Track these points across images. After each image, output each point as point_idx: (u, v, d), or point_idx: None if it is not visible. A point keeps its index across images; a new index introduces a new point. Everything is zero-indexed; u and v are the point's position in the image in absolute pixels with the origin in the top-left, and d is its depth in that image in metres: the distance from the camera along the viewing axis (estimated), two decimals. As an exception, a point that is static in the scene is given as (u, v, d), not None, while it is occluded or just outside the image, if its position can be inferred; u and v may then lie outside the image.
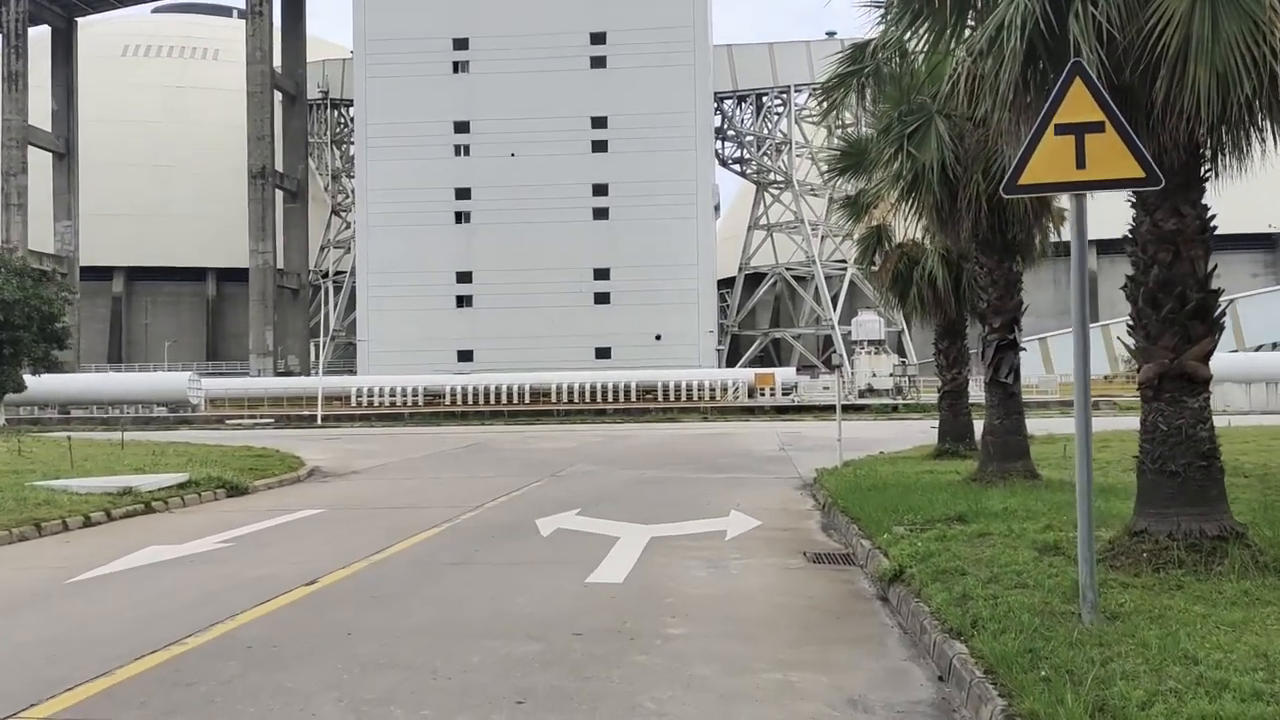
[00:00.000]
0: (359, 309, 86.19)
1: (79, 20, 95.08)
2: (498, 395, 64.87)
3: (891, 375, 64.64)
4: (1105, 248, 61.31)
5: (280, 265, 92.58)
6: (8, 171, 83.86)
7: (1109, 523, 10.18)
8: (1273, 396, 52.94)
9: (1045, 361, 77.22)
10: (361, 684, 6.83)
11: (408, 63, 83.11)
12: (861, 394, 62.44)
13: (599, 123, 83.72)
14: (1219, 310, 9.41)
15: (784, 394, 63.47)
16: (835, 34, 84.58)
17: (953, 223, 15.91)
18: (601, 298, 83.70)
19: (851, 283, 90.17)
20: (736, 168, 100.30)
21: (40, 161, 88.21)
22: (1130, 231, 9.68)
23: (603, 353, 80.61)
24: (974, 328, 20.82)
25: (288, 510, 16.58)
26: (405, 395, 65.94)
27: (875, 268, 24.02)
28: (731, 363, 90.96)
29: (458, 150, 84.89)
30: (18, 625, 8.84)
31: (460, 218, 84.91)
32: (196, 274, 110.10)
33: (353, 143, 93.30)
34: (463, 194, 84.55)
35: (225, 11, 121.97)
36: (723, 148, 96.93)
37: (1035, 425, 19.74)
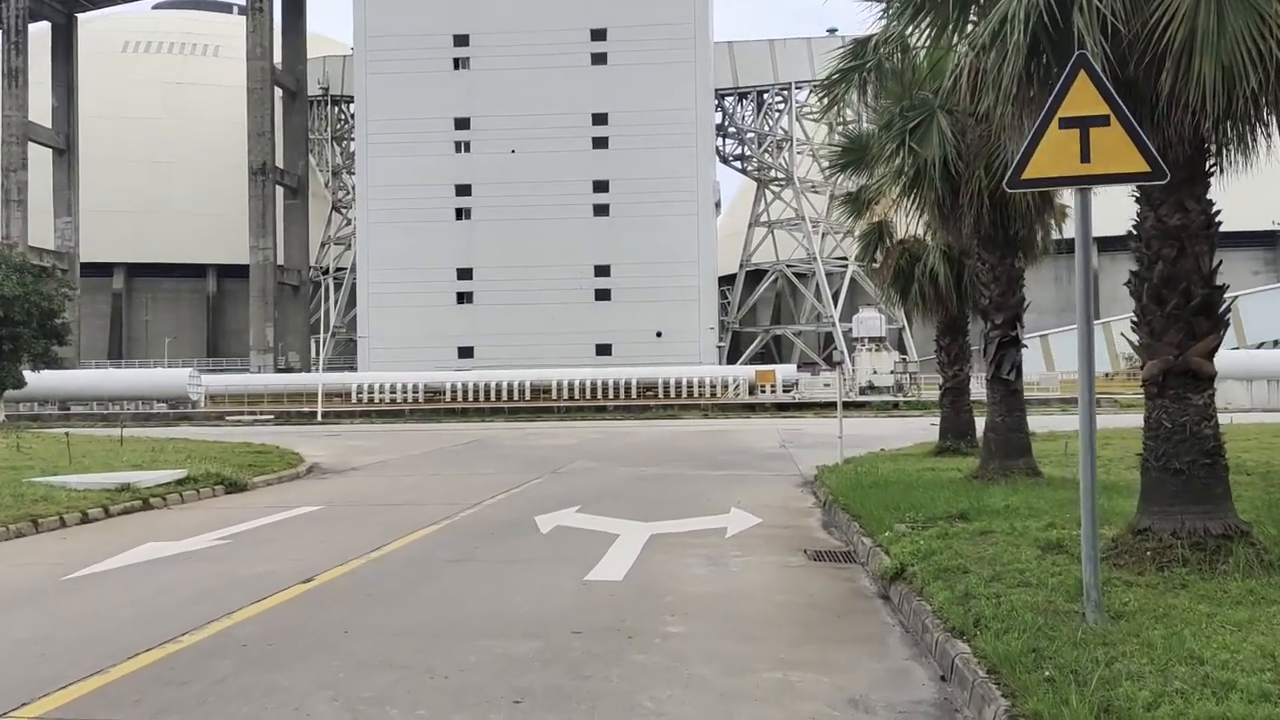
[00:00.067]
0: (359, 305, 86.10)
1: (79, 16, 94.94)
2: (498, 392, 64.78)
3: (892, 372, 64.50)
4: (1106, 245, 61.28)
5: (281, 262, 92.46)
6: (8, 167, 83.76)
7: (1112, 520, 10.09)
8: (1274, 394, 52.78)
9: (1046, 359, 77.07)
10: (357, 683, 6.76)
11: (408, 59, 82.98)
12: (862, 391, 62.31)
13: (600, 119, 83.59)
14: (1224, 306, 9.33)
15: (785, 391, 63.36)
16: (836, 31, 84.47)
17: (955, 219, 15.83)
18: (602, 294, 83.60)
19: (852, 279, 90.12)
20: (737, 164, 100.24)
21: (40, 158, 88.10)
22: (1134, 227, 9.60)
23: (603, 349, 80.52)
24: (975, 324, 20.74)
25: (286, 507, 16.51)
26: (405, 392, 65.84)
27: (876, 264, 23.92)
28: (732, 360, 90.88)
29: (458, 146, 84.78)
30: (12, 623, 8.77)
31: (461, 214, 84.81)
32: (197, 270, 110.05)
33: (353, 139, 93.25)
34: (463, 190, 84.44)
35: (225, 8, 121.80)
36: (723, 144, 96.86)
37: (1036, 422, 19.65)
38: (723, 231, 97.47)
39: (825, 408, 52.80)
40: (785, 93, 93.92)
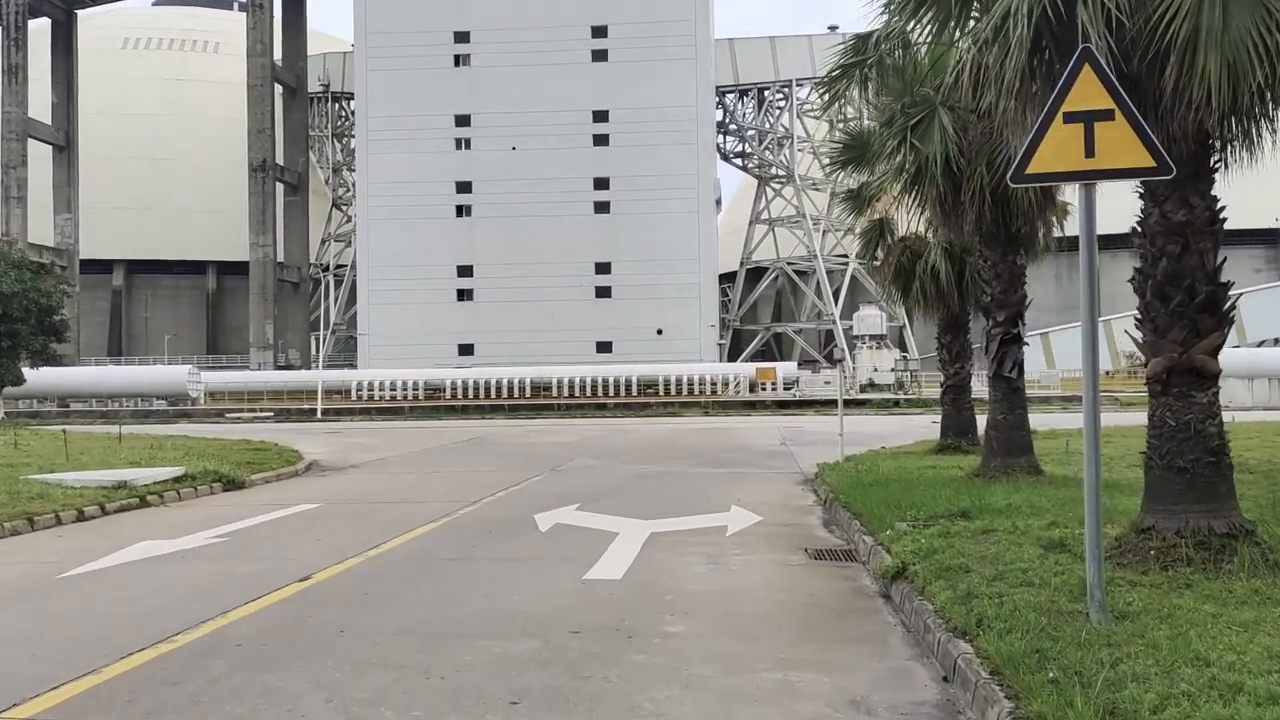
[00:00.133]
0: (359, 302, 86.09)
1: (79, 13, 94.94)
2: (498, 389, 64.68)
3: (893, 370, 64.39)
4: (1107, 243, 61.00)
5: (281, 259, 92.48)
6: (7, 164, 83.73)
7: (1114, 519, 10.01)
8: (1275, 392, 52.70)
9: (1047, 357, 77.08)
10: (352, 684, 6.68)
11: (409, 56, 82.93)
12: (863, 389, 62.24)
13: (600, 116, 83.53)
14: (1228, 304, 9.25)
15: (785, 389, 63.24)
16: (837, 28, 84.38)
17: (956, 216, 15.74)
18: (602, 292, 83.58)
19: (853, 277, 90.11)
20: (738, 162, 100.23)
21: (40, 154, 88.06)
22: (1138, 223, 9.52)
23: (604, 347, 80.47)
24: (977, 322, 20.66)
25: (284, 505, 16.43)
26: (405, 389, 65.74)
27: (878, 262, 23.83)
28: (733, 357, 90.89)
29: (459, 144, 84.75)
30: (5, 622, 8.69)
31: (461, 211, 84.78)
32: (197, 267, 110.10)
33: (354, 136, 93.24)
34: (464, 188, 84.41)
35: (226, 4, 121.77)
36: (724, 142, 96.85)
37: (1037, 420, 19.57)
38: (723, 229, 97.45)
39: (826, 405, 52.72)
40: (786, 90, 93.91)
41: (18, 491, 15.81)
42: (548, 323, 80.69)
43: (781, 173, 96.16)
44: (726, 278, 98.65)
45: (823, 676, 6.80)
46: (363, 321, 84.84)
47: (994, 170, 14.07)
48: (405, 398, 64.75)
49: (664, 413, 55.28)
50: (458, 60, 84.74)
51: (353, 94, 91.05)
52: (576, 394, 63.62)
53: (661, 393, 63.81)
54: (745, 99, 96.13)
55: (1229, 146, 9.28)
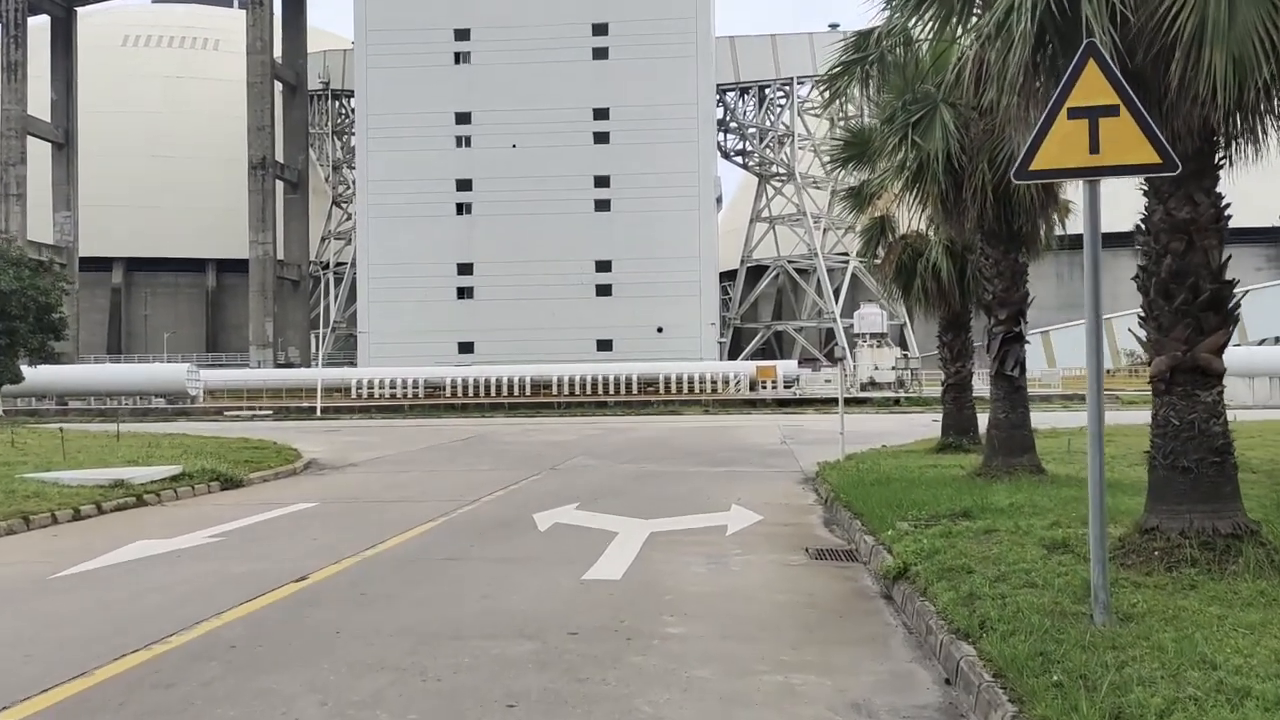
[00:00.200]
0: (359, 300, 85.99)
1: (79, 10, 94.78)
2: (498, 388, 64.62)
3: (894, 368, 64.34)
4: (1106, 241, 60.86)
5: (280, 256, 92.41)
6: (6, 162, 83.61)
7: (1118, 519, 9.92)
8: (1276, 391, 52.68)
9: (1048, 355, 77.05)
10: (347, 686, 6.60)
11: (409, 53, 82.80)
12: (863, 387, 62.20)
13: (601, 114, 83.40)
14: (1233, 302, 9.15)
15: (785, 387, 63.17)
16: (838, 26, 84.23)
17: (958, 213, 15.65)
18: (603, 290, 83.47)
19: (854, 275, 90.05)
20: (739, 160, 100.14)
21: (39, 152, 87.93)
22: (1142, 220, 9.42)
23: (604, 345, 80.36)
24: (978, 320, 20.57)
25: (281, 504, 16.35)
26: (405, 387, 65.68)
27: (878, 260, 23.75)
28: (733, 355, 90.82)
29: (459, 141, 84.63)
30: (-2, 622, 8.61)
31: (461, 209, 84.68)
32: (196, 265, 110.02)
33: (354, 134, 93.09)
34: (464, 185, 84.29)
35: (225, 2, 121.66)
36: (725, 140, 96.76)
37: (1038, 419, 19.49)
38: (724, 227, 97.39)
39: (826, 404, 52.68)
40: (787, 88, 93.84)
41: (13, 490, 15.72)
42: (548, 321, 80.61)
43: (782, 171, 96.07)
44: (727, 276, 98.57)
45: (824, 679, 6.71)
46: (362, 319, 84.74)
47: (996, 167, 13.98)
48: (405, 396, 64.69)
49: (664, 411, 55.24)
50: (458, 58, 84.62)
51: (353, 91, 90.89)
52: (576, 392, 63.57)
53: (662, 391, 63.75)
54: (746, 97, 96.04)
55: (1233, 143, 9.19)
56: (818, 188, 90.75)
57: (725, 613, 8.60)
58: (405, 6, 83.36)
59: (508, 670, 6.91)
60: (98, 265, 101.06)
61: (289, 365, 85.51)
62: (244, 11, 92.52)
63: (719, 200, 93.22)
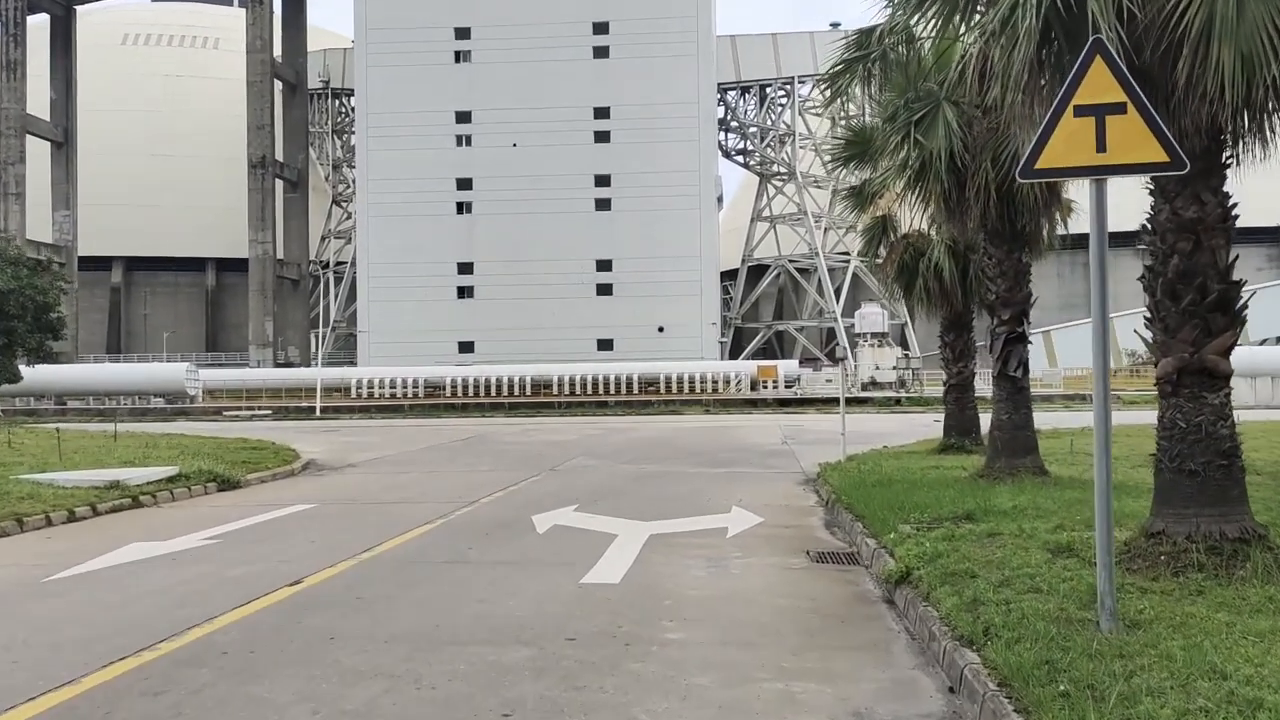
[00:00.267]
0: (359, 300, 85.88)
1: (78, 9, 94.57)
2: (498, 387, 64.54)
3: (895, 368, 64.26)
4: (1109, 240, 61.16)
5: (280, 255, 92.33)
6: (5, 161, 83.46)
7: (1122, 523, 9.79)
8: (1278, 391, 52.58)
9: (1049, 355, 76.90)
10: (340, 694, 6.48)
11: (409, 52, 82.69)
12: (864, 387, 62.11)
13: (601, 113, 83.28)
14: (1241, 303, 9.03)
15: (786, 387, 63.09)
16: (839, 25, 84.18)
17: (960, 212, 15.52)
18: (604, 289, 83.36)
19: (855, 275, 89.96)
20: (740, 159, 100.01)
21: (39, 151, 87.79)
22: (1148, 220, 9.31)
23: (605, 344, 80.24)
24: (980, 320, 20.46)
25: (279, 505, 16.23)
26: (405, 387, 65.60)
27: (880, 259, 23.63)
28: (734, 355, 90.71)
29: (459, 140, 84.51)
30: (-12, 627, 8.48)
31: (461, 208, 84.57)
32: (196, 264, 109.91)
33: (353, 132, 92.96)
34: (464, 184, 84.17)
35: (225, 0, 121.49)
36: (726, 139, 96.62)
37: (1040, 419, 19.37)
38: (725, 226, 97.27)
39: (827, 403, 52.60)
40: (788, 87, 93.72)
41: (8, 492, 15.59)
42: (548, 320, 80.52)
43: (783, 170, 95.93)
44: (728, 275, 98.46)
45: (825, 687, 6.59)
46: (362, 319, 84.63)
47: (999, 166, 13.87)
48: (405, 396, 64.61)
49: (665, 411, 55.14)
50: (458, 56, 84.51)
51: (353, 90, 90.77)
52: (577, 392, 63.49)
53: (662, 391, 63.66)
54: (747, 96, 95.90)
55: (1241, 141, 9.07)
56: (819, 187, 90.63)
57: (725, 617, 8.48)
58: (405, 5, 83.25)
59: (504, 677, 6.79)
60: (97, 264, 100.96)
61: (289, 365, 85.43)
62: (244, 10, 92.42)
63: (720, 199, 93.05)
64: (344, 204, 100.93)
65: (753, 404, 57.95)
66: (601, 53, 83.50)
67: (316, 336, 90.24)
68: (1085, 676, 5.80)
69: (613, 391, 63.52)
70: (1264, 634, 6.57)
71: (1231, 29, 7.83)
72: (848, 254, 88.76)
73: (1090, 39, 7.24)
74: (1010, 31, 8.55)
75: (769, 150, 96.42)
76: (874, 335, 67.35)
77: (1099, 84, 7.02)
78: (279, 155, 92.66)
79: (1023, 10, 8.34)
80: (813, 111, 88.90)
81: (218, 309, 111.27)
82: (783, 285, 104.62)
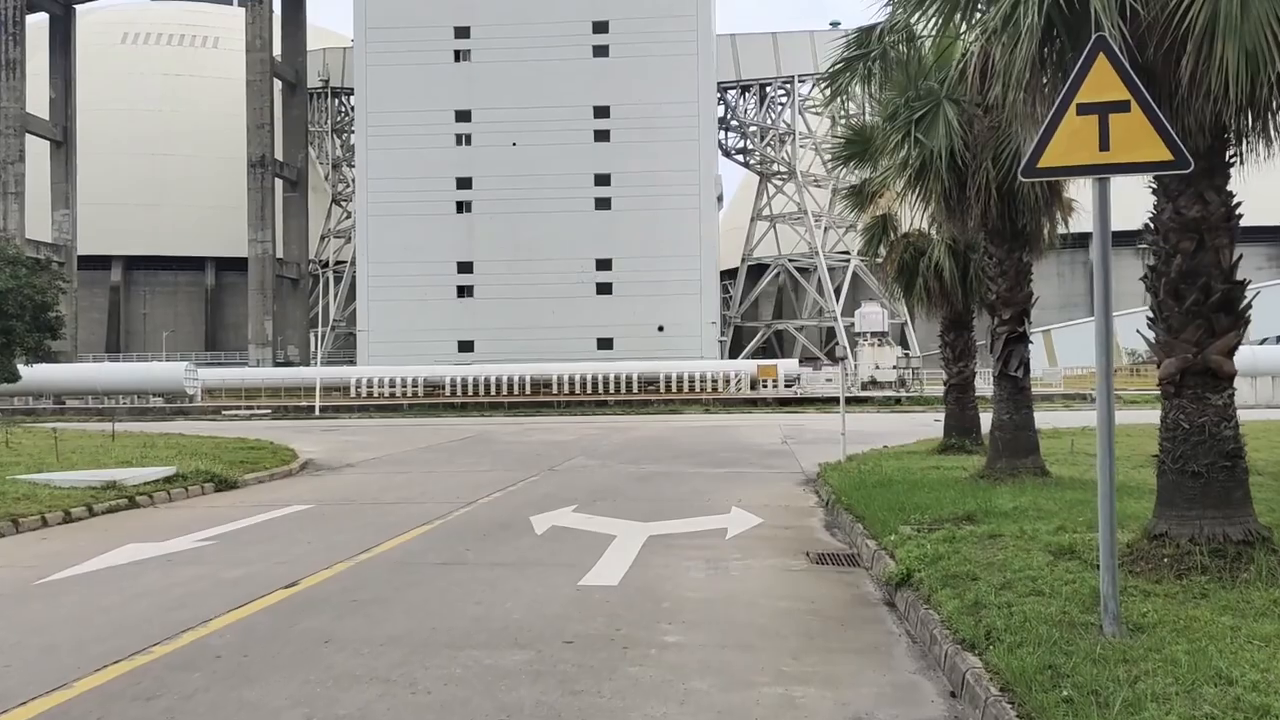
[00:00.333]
0: (359, 299, 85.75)
1: (77, 7, 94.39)
2: (498, 387, 64.49)
3: (895, 368, 64.21)
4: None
5: (280, 255, 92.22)
6: (4, 160, 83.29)
7: (1125, 524, 9.71)
8: (1278, 391, 52.53)
9: (1049, 354, 76.85)
10: (334, 699, 6.40)
11: (409, 51, 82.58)
12: (864, 386, 62.06)
13: (601, 112, 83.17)
14: (1245, 302, 8.95)
15: (786, 386, 63.04)
16: (840, 24, 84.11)
17: (961, 211, 15.45)
18: (603, 288, 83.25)
19: (855, 274, 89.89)
20: (740, 158, 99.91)
21: (38, 150, 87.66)
22: (1150, 220, 9.23)
23: (604, 344, 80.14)
24: (981, 320, 20.38)
25: (276, 506, 16.15)
26: (405, 386, 65.55)
27: (880, 259, 23.55)
28: (734, 354, 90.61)
29: (459, 139, 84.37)
30: (-21, 630, 8.40)
31: (461, 207, 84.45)
32: (195, 263, 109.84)
33: (353, 131, 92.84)
34: (464, 183, 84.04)
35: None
36: (726, 138, 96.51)
37: (1040, 419, 19.27)
38: (725, 225, 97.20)
39: (827, 403, 52.53)
40: (788, 86, 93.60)
41: (3, 492, 15.50)
42: (548, 319, 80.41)
43: (783, 169, 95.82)
44: (728, 274, 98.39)
45: (825, 691, 6.52)
46: (362, 318, 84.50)
47: (1000, 165, 13.82)
48: (404, 395, 64.56)
49: (664, 410, 55.06)
50: (458, 55, 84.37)
51: (352, 89, 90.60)
52: (576, 391, 63.45)
53: (662, 390, 63.62)
54: (747, 95, 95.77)
55: (1245, 140, 8.99)
56: (819, 186, 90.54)
57: (724, 620, 8.40)
58: (405, 4, 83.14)
59: (500, 682, 6.71)
60: (96, 263, 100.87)
61: (288, 364, 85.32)
62: (243, 9, 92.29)
63: (720, 199, 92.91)
64: (344, 203, 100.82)
65: (752, 403, 57.87)
66: (601, 52, 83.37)
67: (316, 336, 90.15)
68: (1089, 682, 5.72)
69: (612, 391, 63.47)
70: (1269, 638, 6.49)
71: (1235, 26, 7.75)
72: (848, 253, 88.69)
73: (1093, 36, 7.17)
74: (1012, 29, 8.48)
75: (769, 149, 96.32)
76: (874, 334, 67.30)
77: (1102, 82, 6.94)
78: (278, 154, 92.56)
79: (1025, 8, 8.27)
80: (813, 110, 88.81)
81: (217, 308, 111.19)
82: (782, 284, 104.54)
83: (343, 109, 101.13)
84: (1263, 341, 65.50)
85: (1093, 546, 8.84)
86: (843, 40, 15.28)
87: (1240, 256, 9.04)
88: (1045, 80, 8.77)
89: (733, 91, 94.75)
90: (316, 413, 56.28)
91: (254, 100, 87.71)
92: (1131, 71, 7.01)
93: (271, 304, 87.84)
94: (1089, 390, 55.97)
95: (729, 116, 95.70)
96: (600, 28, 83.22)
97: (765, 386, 63.38)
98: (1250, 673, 5.77)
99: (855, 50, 15.00)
